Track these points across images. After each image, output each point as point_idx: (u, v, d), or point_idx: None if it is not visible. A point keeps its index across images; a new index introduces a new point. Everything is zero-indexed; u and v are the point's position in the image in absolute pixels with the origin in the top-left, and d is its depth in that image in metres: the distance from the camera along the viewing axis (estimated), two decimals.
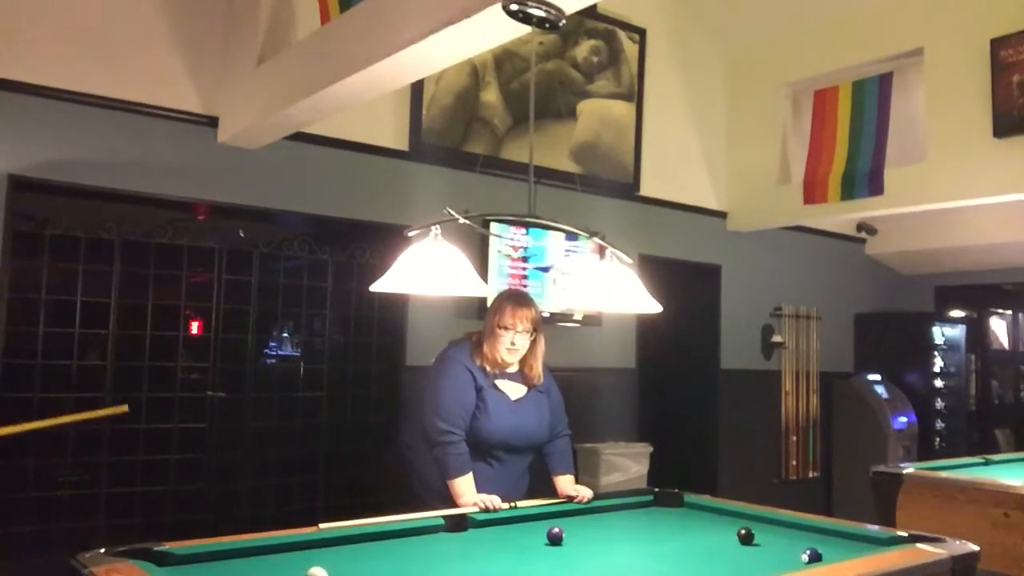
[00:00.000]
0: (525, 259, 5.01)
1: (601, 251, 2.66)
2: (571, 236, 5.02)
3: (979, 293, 8.04)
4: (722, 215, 6.34)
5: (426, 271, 2.59)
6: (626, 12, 5.70)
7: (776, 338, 6.58)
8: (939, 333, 7.29)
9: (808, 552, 2.24)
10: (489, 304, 3.30)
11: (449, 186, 4.76)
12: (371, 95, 3.48)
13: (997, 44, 4.81)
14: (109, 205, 4.04)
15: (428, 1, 2.74)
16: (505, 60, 5.11)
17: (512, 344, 3.01)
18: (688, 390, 6.36)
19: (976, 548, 2.34)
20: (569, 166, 5.38)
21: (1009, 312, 8.64)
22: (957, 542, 2.37)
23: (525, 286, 4.91)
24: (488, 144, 5.04)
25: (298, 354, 5.00)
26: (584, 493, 3.04)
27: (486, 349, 3.05)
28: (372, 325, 4.74)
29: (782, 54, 6.02)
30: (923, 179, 5.15)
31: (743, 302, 6.40)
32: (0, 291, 3.67)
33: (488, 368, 3.06)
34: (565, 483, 3.12)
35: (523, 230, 5.00)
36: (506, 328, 3.00)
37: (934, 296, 7.89)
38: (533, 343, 3.09)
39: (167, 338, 4.19)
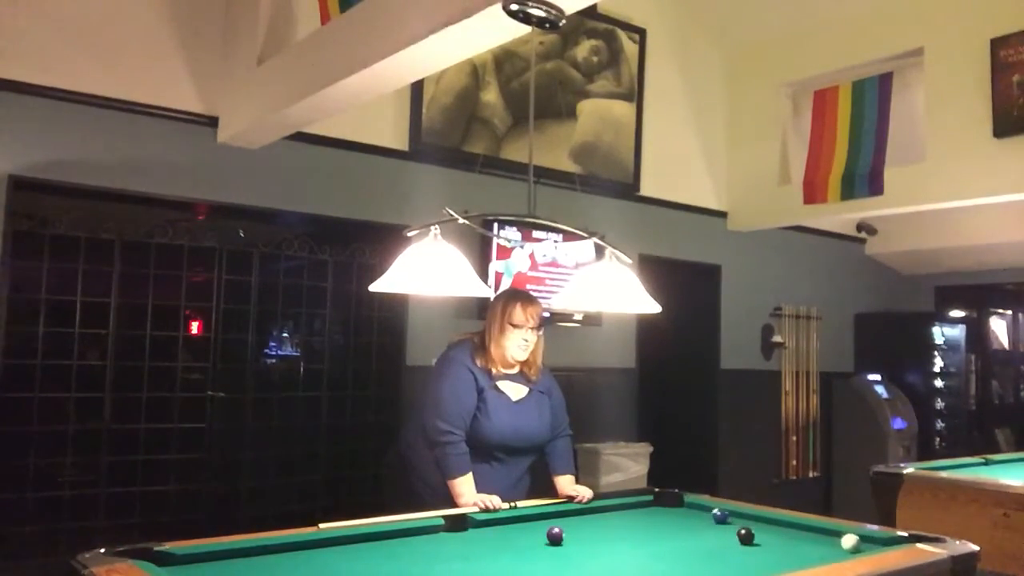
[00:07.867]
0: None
1: (600, 251, 2.66)
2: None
3: (979, 293, 8.05)
4: (722, 215, 6.34)
5: (426, 271, 2.59)
6: (626, 12, 5.70)
7: (776, 338, 6.58)
8: (939, 333, 7.29)
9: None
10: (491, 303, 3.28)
11: (449, 186, 4.76)
12: (371, 95, 3.48)
13: (997, 44, 4.81)
14: (109, 205, 4.04)
15: (428, 1, 2.74)
16: (505, 60, 5.11)
17: (525, 341, 3.01)
18: (688, 390, 6.36)
19: (976, 548, 2.34)
20: (569, 166, 5.38)
21: (1009, 312, 8.66)
22: (957, 542, 2.37)
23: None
24: (488, 144, 5.04)
25: (298, 354, 5.00)
26: (584, 493, 3.04)
27: (492, 350, 3.04)
28: (372, 325, 4.74)
29: (782, 54, 6.02)
30: (923, 179, 5.15)
31: (743, 302, 6.40)
32: (0, 291, 3.68)
33: (491, 369, 3.06)
34: (565, 483, 3.12)
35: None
36: (518, 326, 3.00)
37: (934, 296, 7.90)
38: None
39: (167, 338, 4.18)
